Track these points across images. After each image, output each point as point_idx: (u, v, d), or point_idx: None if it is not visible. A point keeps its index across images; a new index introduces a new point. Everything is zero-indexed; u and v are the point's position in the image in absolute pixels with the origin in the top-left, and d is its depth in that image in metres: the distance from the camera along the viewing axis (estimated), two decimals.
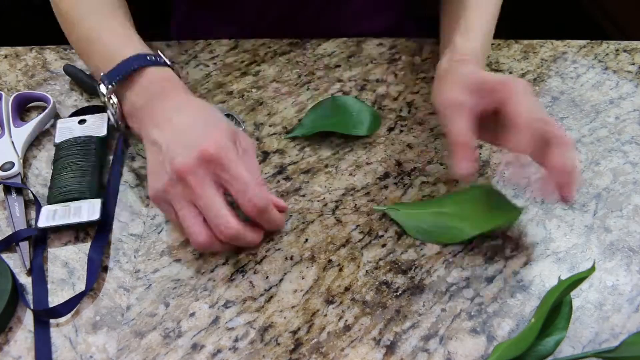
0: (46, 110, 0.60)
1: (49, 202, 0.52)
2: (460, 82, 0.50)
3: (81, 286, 0.48)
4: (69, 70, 0.65)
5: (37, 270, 0.49)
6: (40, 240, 0.51)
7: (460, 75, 0.51)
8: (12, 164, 0.56)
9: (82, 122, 0.58)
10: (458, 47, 0.54)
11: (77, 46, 0.59)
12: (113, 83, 0.51)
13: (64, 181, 0.53)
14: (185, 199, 0.46)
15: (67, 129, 0.58)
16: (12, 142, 0.58)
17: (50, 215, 0.51)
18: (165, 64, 0.53)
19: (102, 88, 0.52)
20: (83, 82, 0.64)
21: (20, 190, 0.54)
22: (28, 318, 0.46)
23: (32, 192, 0.54)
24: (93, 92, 0.64)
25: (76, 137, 0.57)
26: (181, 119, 0.49)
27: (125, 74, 0.51)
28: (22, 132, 0.59)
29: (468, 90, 0.50)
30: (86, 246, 0.51)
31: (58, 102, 0.64)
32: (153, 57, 0.53)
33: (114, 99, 0.52)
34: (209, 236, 0.46)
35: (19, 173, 0.56)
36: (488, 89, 0.49)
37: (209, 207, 0.45)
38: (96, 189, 0.54)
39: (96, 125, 0.58)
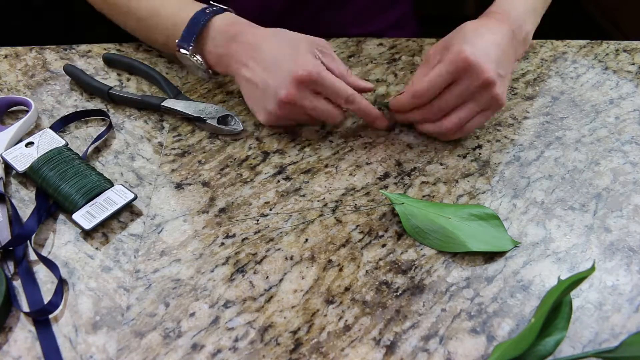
0: (28, 115, 0.60)
1: (74, 210, 0.52)
2: (445, 37, 0.56)
3: (81, 286, 0.48)
4: (69, 70, 0.65)
5: (25, 274, 0.48)
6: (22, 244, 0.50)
7: (454, 31, 0.57)
8: None
9: (29, 145, 0.56)
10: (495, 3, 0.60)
11: (138, 27, 0.65)
12: (191, 44, 0.58)
13: (72, 187, 0.53)
14: (302, 114, 0.56)
15: (23, 155, 0.55)
16: None
17: (87, 217, 0.51)
18: (223, 10, 0.59)
19: (183, 51, 0.59)
20: (83, 82, 0.64)
21: (2, 197, 0.54)
22: (28, 318, 0.46)
23: (9, 199, 0.53)
24: (93, 92, 0.64)
25: (44, 155, 0.55)
26: (264, 54, 0.56)
27: (196, 32, 0.58)
28: (3, 137, 0.58)
29: (437, 45, 0.56)
30: (86, 246, 0.51)
31: (58, 102, 0.64)
32: (211, 9, 0.59)
33: (198, 57, 0.59)
34: (339, 112, 0.57)
35: (1, 178, 0.55)
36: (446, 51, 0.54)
37: (320, 113, 0.56)
38: (107, 179, 0.54)
39: (47, 140, 0.57)
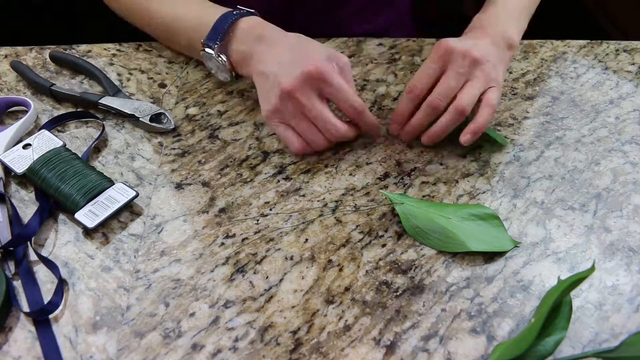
0: (27, 115, 0.59)
1: (76, 209, 0.52)
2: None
3: (81, 286, 0.48)
4: (15, 66, 0.65)
5: (25, 274, 0.48)
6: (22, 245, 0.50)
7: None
8: None
9: (26, 146, 0.56)
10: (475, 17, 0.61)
11: (161, 30, 0.67)
12: (217, 42, 0.59)
13: (73, 187, 0.53)
14: (298, 113, 0.54)
15: (21, 157, 0.56)
16: None
17: (89, 216, 0.51)
18: (249, 13, 0.60)
19: (209, 50, 0.59)
20: (27, 78, 0.64)
21: (2, 197, 0.54)
22: (28, 318, 0.46)
23: (9, 199, 0.53)
24: (37, 88, 0.64)
25: (42, 156, 0.55)
26: (281, 50, 0.56)
27: (222, 31, 0.58)
28: (3, 138, 0.57)
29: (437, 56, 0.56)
30: (87, 246, 0.51)
31: (58, 102, 0.64)
32: (237, 11, 0.60)
33: (222, 57, 0.60)
34: (324, 140, 0.56)
35: (1, 178, 0.55)
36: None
37: (318, 116, 0.54)
38: (107, 178, 0.54)
39: (45, 142, 0.57)
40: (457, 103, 0.54)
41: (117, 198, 0.53)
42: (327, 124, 0.55)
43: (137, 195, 0.53)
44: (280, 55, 0.55)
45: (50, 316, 0.46)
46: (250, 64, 0.58)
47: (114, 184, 0.54)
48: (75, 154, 0.56)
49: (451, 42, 0.55)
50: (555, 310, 0.44)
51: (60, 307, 0.47)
